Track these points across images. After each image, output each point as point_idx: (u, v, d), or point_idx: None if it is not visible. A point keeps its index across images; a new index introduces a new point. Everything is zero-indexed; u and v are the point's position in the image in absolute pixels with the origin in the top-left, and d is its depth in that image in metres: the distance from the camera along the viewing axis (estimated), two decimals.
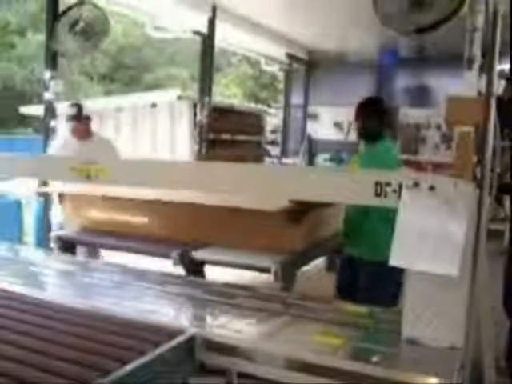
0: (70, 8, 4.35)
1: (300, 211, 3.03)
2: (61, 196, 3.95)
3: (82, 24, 4.31)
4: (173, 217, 3.40)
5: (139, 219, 3.49)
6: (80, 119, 4.54)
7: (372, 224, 3.06)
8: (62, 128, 4.77)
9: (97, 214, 3.65)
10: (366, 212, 3.07)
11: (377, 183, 1.74)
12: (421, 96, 9.80)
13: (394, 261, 1.69)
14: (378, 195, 1.75)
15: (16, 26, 21.40)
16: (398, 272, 2.31)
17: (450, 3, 3.29)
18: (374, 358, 1.61)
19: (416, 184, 1.70)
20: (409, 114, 9.80)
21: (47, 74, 4.56)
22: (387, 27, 3.91)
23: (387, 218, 2.75)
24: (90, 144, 4.53)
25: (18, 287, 2.17)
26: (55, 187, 3.91)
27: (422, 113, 9.59)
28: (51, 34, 4.42)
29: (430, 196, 1.67)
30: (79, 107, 4.56)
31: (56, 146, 4.45)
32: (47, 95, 4.57)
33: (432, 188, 1.68)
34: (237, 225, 3.19)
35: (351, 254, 3.26)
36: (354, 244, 3.24)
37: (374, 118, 3.29)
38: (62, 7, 4.56)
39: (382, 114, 3.34)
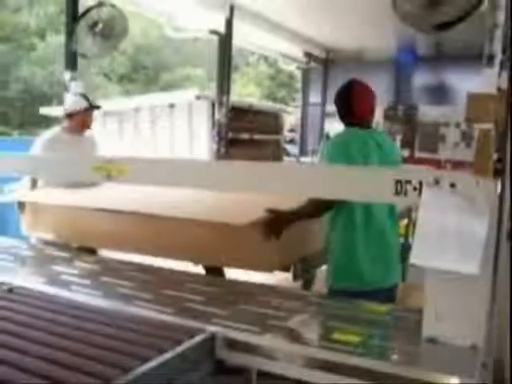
0: (89, 9, 4.40)
1: (276, 224, 2.60)
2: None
3: (101, 25, 4.36)
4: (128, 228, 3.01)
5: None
6: (91, 112, 4.29)
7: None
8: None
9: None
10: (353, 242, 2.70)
11: (397, 181, 1.74)
12: (440, 94, 9.73)
13: (415, 260, 1.69)
14: (397, 193, 1.74)
15: (36, 28, 21.64)
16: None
17: (468, 0, 3.27)
18: (394, 357, 1.60)
19: (437, 182, 1.69)
20: (427, 112, 9.73)
21: (67, 75, 4.60)
22: (406, 25, 3.91)
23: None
24: (81, 139, 4.23)
25: (40, 286, 2.20)
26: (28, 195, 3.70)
27: (441, 111, 9.52)
28: (71, 35, 4.47)
29: (451, 194, 1.66)
30: (88, 99, 4.30)
31: (44, 140, 4.12)
32: (68, 96, 4.61)
33: (453, 185, 1.67)
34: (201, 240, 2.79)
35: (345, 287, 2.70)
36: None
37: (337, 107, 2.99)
38: (81, 9, 4.62)
39: (341, 102, 2.96)
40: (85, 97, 4.24)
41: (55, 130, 4.29)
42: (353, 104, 2.86)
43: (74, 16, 4.52)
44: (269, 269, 2.64)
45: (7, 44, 20.50)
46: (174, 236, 2.81)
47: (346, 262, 2.64)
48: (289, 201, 2.73)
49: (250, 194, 2.79)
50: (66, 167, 2.61)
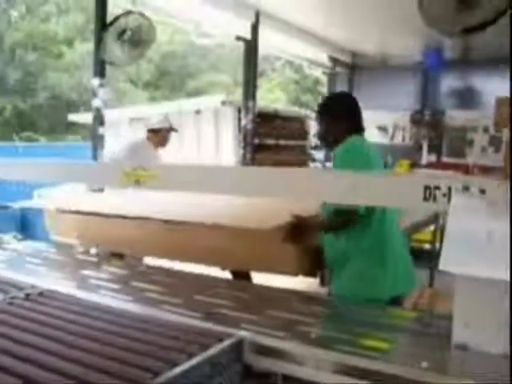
0: (117, 18, 4.47)
1: (299, 230, 2.58)
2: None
3: (129, 33, 4.43)
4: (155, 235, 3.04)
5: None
6: (170, 132, 4.98)
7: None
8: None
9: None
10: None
11: (426, 187, 1.73)
12: (467, 98, 9.64)
13: (444, 266, 1.67)
14: (426, 199, 1.74)
15: (64, 36, 21.98)
16: None
17: (498, 3, 3.24)
18: (424, 364, 1.59)
19: (466, 188, 1.68)
20: (455, 117, 9.64)
21: (95, 82, 4.67)
22: (433, 29, 3.88)
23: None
24: (157, 155, 4.89)
25: (70, 289, 2.23)
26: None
27: (469, 115, 9.43)
28: (99, 43, 4.54)
29: (481, 200, 1.65)
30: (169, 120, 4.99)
31: (132, 144, 4.86)
32: (96, 103, 4.69)
33: (483, 191, 1.65)
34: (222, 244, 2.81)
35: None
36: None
37: (324, 122, 2.81)
38: (109, 18, 4.69)
39: (330, 115, 2.79)
40: (167, 118, 4.94)
41: (141, 138, 5.00)
42: (359, 110, 2.81)
43: (102, 24, 4.59)
44: (292, 273, 2.66)
45: (36, 52, 20.86)
46: (200, 241, 2.85)
47: (375, 271, 2.60)
48: (315, 206, 2.74)
49: (276, 199, 2.81)
50: (97, 173, 2.65)
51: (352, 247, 2.62)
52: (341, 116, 2.74)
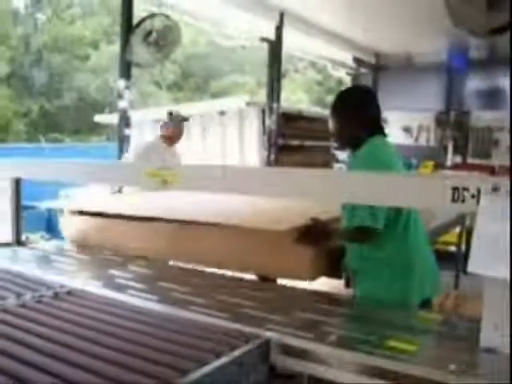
0: (143, 20, 4.51)
1: (314, 233, 2.47)
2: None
3: (154, 35, 4.47)
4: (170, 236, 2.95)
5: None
6: (183, 125, 5.03)
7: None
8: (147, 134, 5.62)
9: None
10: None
11: (454, 188, 1.71)
12: (493, 98, 9.53)
13: (472, 268, 1.66)
14: (454, 201, 1.72)
15: (90, 38, 22.26)
16: None
17: None
18: (452, 366, 1.58)
19: (495, 189, 1.66)
20: (481, 117, 9.54)
21: (121, 84, 4.72)
22: (460, 28, 3.85)
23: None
24: (173, 151, 4.92)
25: (97, 289, 2.26)
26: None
27: (495, 115, 9.31)
28: (125, 45, 4.58)
29: (510, 201, 1.63)
30: (176, 112, 5.00)
31: (143, 146, 4.94)
32: (122, 104, 4.74)
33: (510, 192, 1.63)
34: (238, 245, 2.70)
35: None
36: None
37: (336, 122, 2.61)
38: (135, 20, 4.74)
39: (348, 113, 2.57)
40: (175, 113, 4.96)
41: (154, 138, 5.11)
42: (376, 105, 2.62)
43: (128, 26, 4.64)
44: (306, 278, 2.53)
45: (62, 54, 21.15)
46: (212, 243, 2.77)
47: (402, 280, 2.50)
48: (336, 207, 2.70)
49: (297, 201, 2.80)
50: (122, 173, 2.68)
51: (378, 254, 2.52)
52: (354, 114, 2.54)
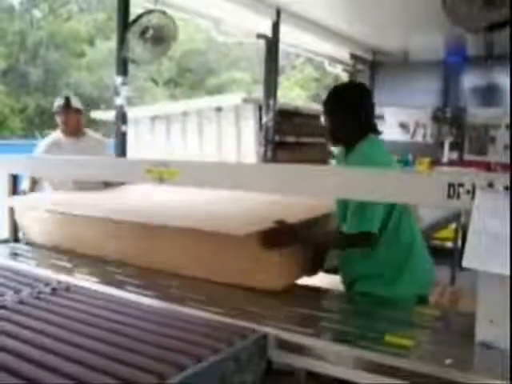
0: (140, 16, 4.49)
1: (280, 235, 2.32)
2: None
3: (151, 31, 4.45)
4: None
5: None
6: (69, 111, 4.05)
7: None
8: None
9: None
10: None
11: (450, 184, 1.72)
12: (489, 95, 9.53)
13: (467, 263, 1.67)
14: (450, 197, 1.73)
15: (86, 35, 22.20)
16: None
17: None
18: (447, 361, 1.59)
19: (490, 184, 1.67)
20: (477, 114, 9.54)
21: (118, 80, 4.70)
22: (457, 25, 3.86)
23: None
24: (82, 143, 4.07)
25: (95, 285, 2.27)
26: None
27: (491, 112, 9.32)
28: (122, 41, 4.57)
29: (505, 196, 1.64)
30: (67, 98, 4.14)
31: (43, 145, 4.14)
32: (118, 101, 4.72)
33: (507, 188, 1.64)
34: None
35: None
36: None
37: (330, 119, 2.52)
38: (131, 16, 4.72)
39: (343, 110, 2.47)
40: (65, 97, 4.15)
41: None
42: (371, 103, 2.55)
43: (125, 23, 4.62)
44: (269, 287, 2.26)
45: (58, 51, 21.10)
46: (167, 246, 2.58)
47: (401, 276, 2.48)
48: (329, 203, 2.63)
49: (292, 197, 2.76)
50: (119, 170, 2.68)
51: (370, 255, 2.46)
52: (349, 112, 2.45)
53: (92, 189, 3.52)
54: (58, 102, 4.08)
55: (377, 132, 2.55)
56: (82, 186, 3.58)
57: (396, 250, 2.47)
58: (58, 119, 4.07)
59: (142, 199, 3.14)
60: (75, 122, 4.08)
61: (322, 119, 2.60)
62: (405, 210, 2.46)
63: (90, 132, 4.26)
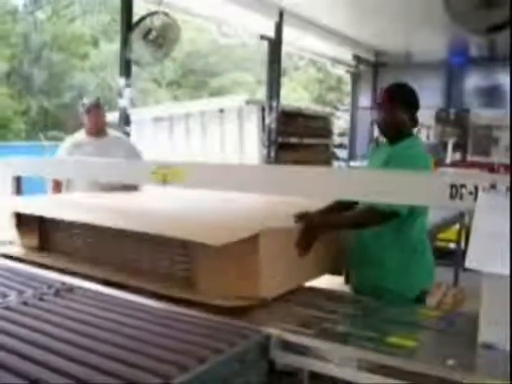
0: (143, 18, 4.52)
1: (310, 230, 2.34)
2: None
3: (154, 33, 4.47)
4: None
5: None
6: (99, 111, 4.10)
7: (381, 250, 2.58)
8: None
9: None
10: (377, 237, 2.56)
11: (452, 185, 1.73)
12: (493, 96, 9.53)
13: (469, 263, 1.67)
14: (452, 197, 1.73)
15: (89, 36, 22.25)
16: None
17: None
18: (450, 362, 1.59)
19: (493, 186, 1.67)
20: (480, 115, 9.55)
21: (121, 82, 4.72)
22: (459, 26, 3.86)
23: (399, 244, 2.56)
24: (105, 142, 4.09)
25: (97, 286, 2.27)
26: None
27: (495, 113, 9.33)
28: (125, 43, 4.59)
29: (507, 198, 1.64)
30: (98, 98, 4.25)
31: (66, 145, 4.14)
32: (122, 102, 4.74)
33: (509, 189, 1.65)
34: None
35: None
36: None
37: (395, 111, 2.63)
38: (134, 18, 4.74)
39: (405, 105, 2.64)
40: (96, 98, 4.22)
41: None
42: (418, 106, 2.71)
43: (128, 24, 4.64)
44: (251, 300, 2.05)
45: (62, 53, 21.14)
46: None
47: (415, 265, 2.59)
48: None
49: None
50: (124, 171, 2.69)
51: (384, 240, 2.55)
52: (407, 108, 2.63)
53: (112, 190, 3.56)
54: (88, 102, 4.10)
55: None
56: (104, 186, 3.64)
57: (410, 237, 2.56)
58: (86, 119, 4.08)
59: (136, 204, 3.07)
60: (103, 122, 4.14)
61: (378, 111, 2.71)
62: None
63: (110, 131, 4.29)
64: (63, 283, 2.26)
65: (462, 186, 1.72)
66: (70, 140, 4.21)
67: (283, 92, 7.58)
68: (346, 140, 10.94)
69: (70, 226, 2.71)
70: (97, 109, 4.06)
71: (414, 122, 2.67)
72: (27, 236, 2.88)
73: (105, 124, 4.14)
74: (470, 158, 9.59)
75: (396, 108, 2.63)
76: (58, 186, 3.98)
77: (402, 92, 2.70)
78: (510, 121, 8.21)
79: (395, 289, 2.50)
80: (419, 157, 2.57)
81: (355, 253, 2.68)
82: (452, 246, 5.82)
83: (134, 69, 5.04)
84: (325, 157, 8.40)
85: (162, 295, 2.08)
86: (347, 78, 10.82)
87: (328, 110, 11.71)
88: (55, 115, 20.82)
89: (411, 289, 2.55)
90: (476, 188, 1.70)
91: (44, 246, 2.85)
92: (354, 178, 2.02)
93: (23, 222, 2.88)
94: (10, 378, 1.37)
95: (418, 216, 2.54)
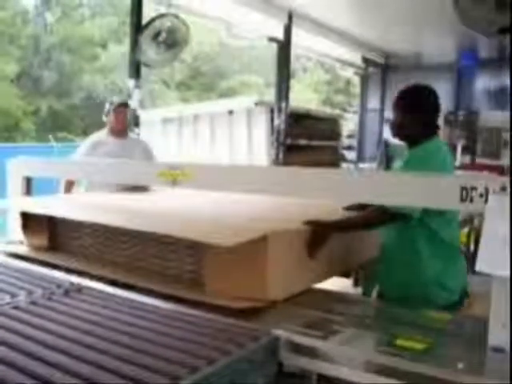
0: (152, 20, 4.53)
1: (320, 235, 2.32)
2: None
3: (163, 35, 4.48)
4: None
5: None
6: (126, 111, 4.29)
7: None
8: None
9: None
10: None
11: (463, 188, 1.72)
12: (502, 98, 9.49)
13: (480, 267, 1.66)
14: (463, 200, 1.72)
15: (99, 38, 22.35)
16: None
17: None
18: (460, 365, 1.58)
19: (503, 188, 1.66)
20: (490, 117, 9.51)
21: (131, 83, 4.74)
22: (469, 28, 3.84)
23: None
24: (126, 143, 4.21)
25: (106, 287, 2.27)
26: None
27: (504, 116, 9.27)
28: (135, 45, 4.60)
29: None
30: (126, 98, 4.41)
31: (87, 145, 4.23)
32: (131, 103, 4.75)
33: None
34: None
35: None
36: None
37: (412, 115, 2.56)
38: (144, 20, 4.76)
39: (422, 108, 2.57)
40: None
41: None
42: (440, 107, 2.66)
43: (137, 26, 4.66)
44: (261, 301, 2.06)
45: (71, 55, 21.25)
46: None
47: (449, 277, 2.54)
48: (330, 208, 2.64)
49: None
50: (133, 172, 2.70)
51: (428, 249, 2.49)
52: (423, 111, 2.56)
53: (122, 190, 3.60)
54: (116, 101, 4.27)
55: (436, 134, 2.63)
56: (120, 187, 3.67)
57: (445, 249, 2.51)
58: (113, 117, 4.21)
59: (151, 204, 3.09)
60: (128, 122, 4.32)
61: (391, 115, 2.68)
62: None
63: (130, 134, 4.45)
64: (72, 283, 2.26)
65: (473, 188, 1.71)
66: (91, 138, 4.34)
67: (292, 94, 7.58)
68: (354, 142, 10.93)
69: (79, 225, 2.72)
70: (125, 108, 4.24)
71: (432, 125, 2.59)
72: (36, 236, 2.89)
73: (128, 125, 4.29)
74: (479, 160, 9.55)
75: (407, 113, 2.56)
76: (70, 187, 4.04)
77: (415, 95, 2.61)
78: (510, 121, 8.18)
79: (433, 299, 2.44)
80: (433, 160, 2.49)
81: (386, 259, 2.62)
82: (461, 248, 5.79)
83: (143, 70, 5.06)
84: (333, 159, 8.39)
85: (171, 296, 2.09)
86: (356, 79, 10.81)
87: (337, 111, 11.69)
88: (64, 116, 20.93)
89: (448, 297, 2.51)
90: (486, 190, 1.70)
91: (53, 246, 2.87)
92: (364, 181, 2.02)
93: (32, 222, 2.89)
94: (18, 376, 1.37)
95: (452, 221, 2.50)
